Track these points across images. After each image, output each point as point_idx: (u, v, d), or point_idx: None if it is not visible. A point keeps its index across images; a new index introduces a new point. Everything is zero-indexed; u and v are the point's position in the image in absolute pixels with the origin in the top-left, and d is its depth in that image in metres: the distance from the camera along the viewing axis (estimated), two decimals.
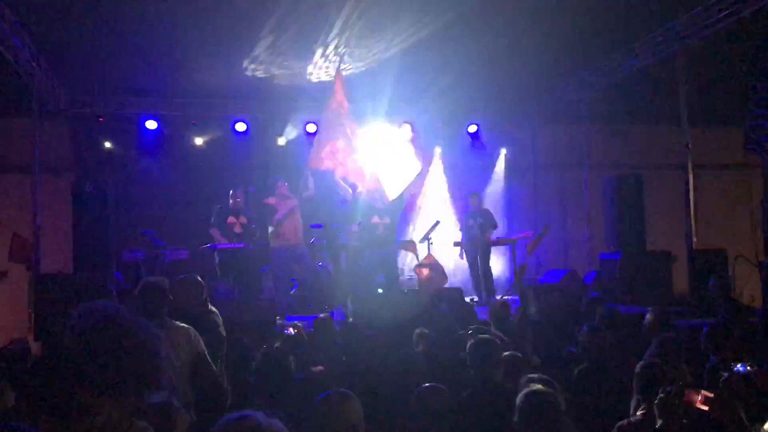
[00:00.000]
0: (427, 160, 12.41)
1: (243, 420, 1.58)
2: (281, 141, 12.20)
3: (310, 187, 9.20)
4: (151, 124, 11.76)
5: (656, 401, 2.97)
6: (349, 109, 9.84)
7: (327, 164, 9.63)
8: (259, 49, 9.43)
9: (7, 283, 8.76)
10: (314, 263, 10.65)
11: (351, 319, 7.70)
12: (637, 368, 3.93)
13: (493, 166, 13.36)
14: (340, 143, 9.53)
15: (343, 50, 9.27)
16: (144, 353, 1.84)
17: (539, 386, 3.17)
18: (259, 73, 10.50)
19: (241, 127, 12.11)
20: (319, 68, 10.14)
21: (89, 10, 8.42)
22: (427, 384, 3.48)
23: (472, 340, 4.16)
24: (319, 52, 9.49)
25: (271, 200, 9.17)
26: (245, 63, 10.00)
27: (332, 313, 8.79)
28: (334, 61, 9.79)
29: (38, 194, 10.23)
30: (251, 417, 1.58)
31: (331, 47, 9.23)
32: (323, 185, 9.91)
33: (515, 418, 3.03)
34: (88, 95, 11.54)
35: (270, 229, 9.21)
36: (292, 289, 9.48)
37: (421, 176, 9.26)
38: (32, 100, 10.15)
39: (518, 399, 3.06)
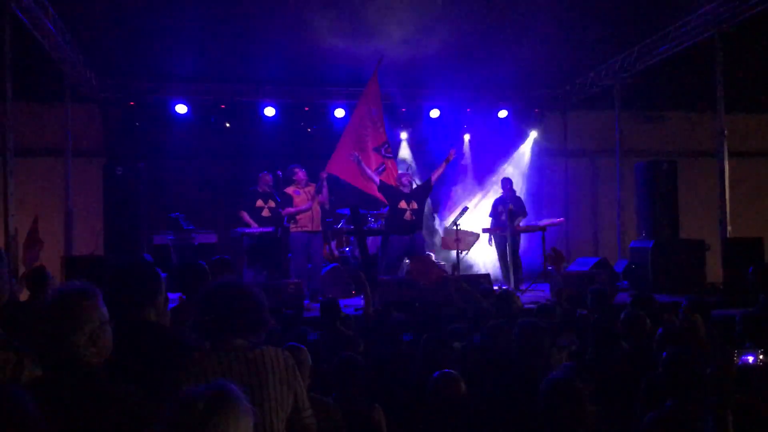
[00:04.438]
0: (456, 145, 12.33)
1: None
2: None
3: (324, 194, 9.15)
4: (181, 109, 11.82)
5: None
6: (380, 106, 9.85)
7: (345, 174, 9.64)
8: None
9: (41, 264, 8.86)
10: (341, 249, 10.67)
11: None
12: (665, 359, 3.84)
13: (524, 152, 13.21)
14: (369, 158, 9.56)
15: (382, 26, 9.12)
16: (258, 305, 2.62)
17: (562, 373, 3.11)
18: None
19: (270, 112, 12.13)
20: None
21: None
22: (441, 371, 3.47)
23: (517, 325, 4.10)
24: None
25: (290, 189, 9.13)
26: None
27: (360, 298, 8.84)
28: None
29: (70, 178, 10.37)
30: None
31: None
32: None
33: (539, 406, 2.98)
34: (119, 79, 11.63)
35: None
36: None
37: (447, 161, 9.14)
38: (64, 84, 10.27)
39: (541, 386, 3.01)
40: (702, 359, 3.39)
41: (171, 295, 5.64)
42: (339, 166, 9.64)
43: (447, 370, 3.52)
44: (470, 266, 11.67)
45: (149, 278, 2.90)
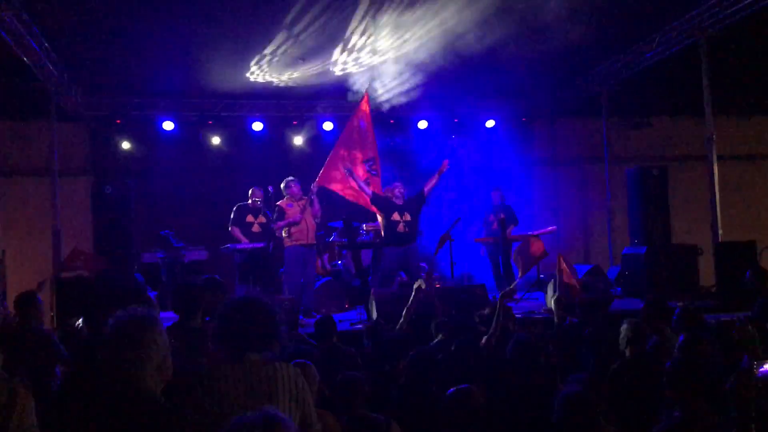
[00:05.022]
0: (445, 156, 12.31)
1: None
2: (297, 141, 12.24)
3: (316, 206, 9.07)
4: (168, 125, 11.74)
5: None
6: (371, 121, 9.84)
7: (336, 187, 9.60)
8: (272, 48, 9.35)
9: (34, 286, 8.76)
10: (334, 262, 10.59)
11: (374, 318, 7.63)
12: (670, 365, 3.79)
13: (512, 161, 13.19)
14: (358, 170, 9.50)
15: (366, 41, 9.15)
16: (273, 320, 2.72)
17: (577, 387, 3.07)
18: (272, 78, 10.47)
19: (257, 126, 12.07)
20: (343, 63, 10.03)
21: (106, 13, 8.39)
22: (458, 386, 3.40)
23: (513, 340, 4.06)
24: (339, 48, 9.40)
25: (283, 202, 9.05)
26: (253, 65, 9.93)
27: (354, 313, 8.76)
28: (355, 57, 9.73)
29: (57, 197, 10.25)
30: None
31: (353, 40, 9.12)
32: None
33: (553, 419, 2.94)
34: (105, 97, 11.54)
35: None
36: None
37: (440, 172, 9.10)
38: (50, 102, 10.17)
39: (556, 400, 2.97)
40: (713, 368, 3.35)
41: (164, 314, 5.57)
42: (329, 178, 9.59)
43: (464, 385, 3.45)
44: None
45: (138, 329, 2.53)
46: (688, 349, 3.96)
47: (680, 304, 6.08)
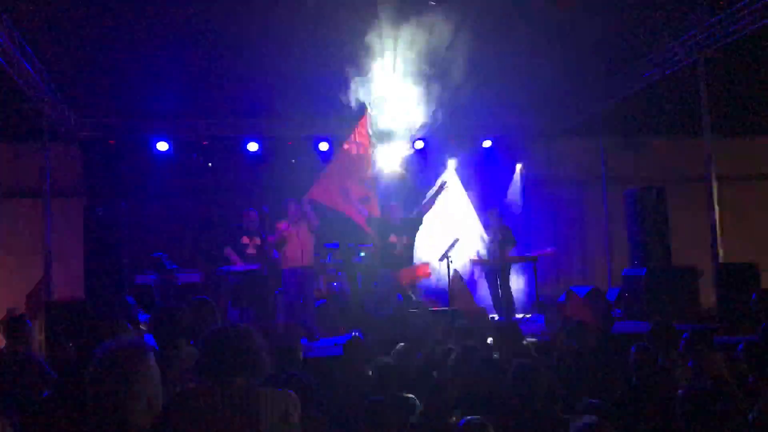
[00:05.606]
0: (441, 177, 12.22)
1: None
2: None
3: (311, 216, 8.88)
4: (162, 146, 11.62)
5: None
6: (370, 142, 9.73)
7: (329, 201, 9.46)
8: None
9: (21, 310, 8.61)
10: (329, 284, 10.42)
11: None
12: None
13: (510, 181, 13.12)
14: (354, 189, 9.38)
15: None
16: (256, 347, 2.73)
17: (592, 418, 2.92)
18: None
19: (253, 147, 11.97)
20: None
21: (99, 34, 8.34)
22: (469, 418, 3.27)
23: (513, 367, 3.92)
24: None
25: (282, 224, 8.89)
26: None
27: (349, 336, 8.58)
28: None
29: (49, 218, 10.11)
30: None
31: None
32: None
33: None
34: (98, 118, 11.44)
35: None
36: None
37: (437, 193, 8.98)
38: (42, 123, 10.07)
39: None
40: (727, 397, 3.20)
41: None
42: (322, 192, 9.45)
43: (473, 417, 3.31)
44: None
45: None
46: (701, 376, 3.84)
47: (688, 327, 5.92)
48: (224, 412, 2.53)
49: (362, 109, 9.75)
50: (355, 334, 5.58)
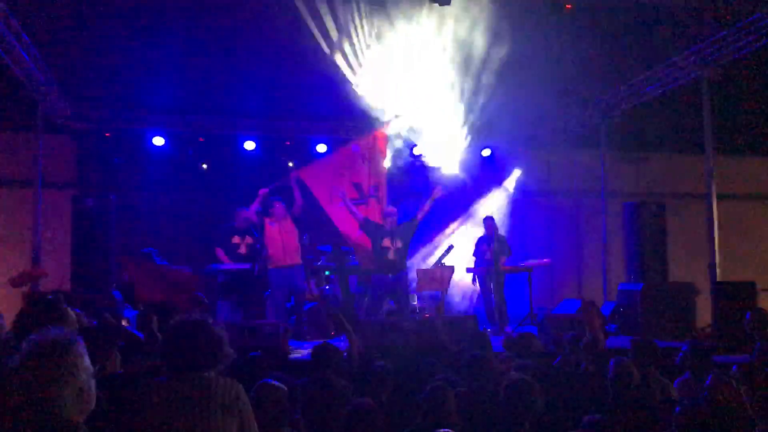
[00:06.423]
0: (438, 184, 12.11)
1: None
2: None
3: (296, 196, 8.75)
4: (158, 141, 11.49)
5: None
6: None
7: (319, 191, 9.36)
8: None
9: (3, 300, 8.44)
10: (321, 287, 10.28)
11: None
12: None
13: (508, 191, 13.00)
14: (350, 191, 9.29)
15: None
16: (216, 340, 2.81)
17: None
18: None
19: (249, 145, 11.84)
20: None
21: (97, 24, 8.26)
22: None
23: (507, 382, 3.81)
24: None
25: (267, 219, 8.77)
26: None
27: (338, 340, 8.44)
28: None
29: (40, 209, 9.97)
30: None
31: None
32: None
33: None
34: (94, 110, 11.29)
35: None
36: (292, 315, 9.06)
37: (433, 198, 8.85)
38: (37, 113, 9.94)
39: None
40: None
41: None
42: (312, 176, 9.35)
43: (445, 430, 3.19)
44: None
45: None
46: (710, 394, 3.74)
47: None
48: (174, 400, 2.65)
49: (382, 118, 9.68)
50: (325, 341, 5.39)
